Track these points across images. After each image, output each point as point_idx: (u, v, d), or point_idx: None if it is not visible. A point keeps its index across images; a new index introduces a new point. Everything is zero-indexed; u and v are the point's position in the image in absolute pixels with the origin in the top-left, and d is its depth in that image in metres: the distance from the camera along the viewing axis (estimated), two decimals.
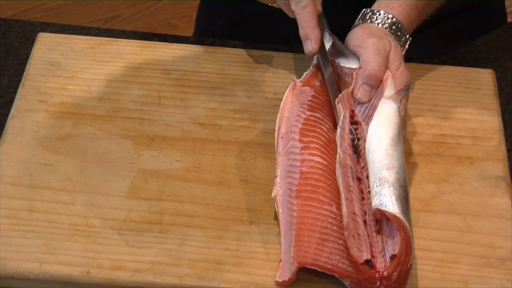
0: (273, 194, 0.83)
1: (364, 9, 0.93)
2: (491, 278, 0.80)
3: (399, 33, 0.91)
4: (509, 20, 1.21)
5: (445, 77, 0.98)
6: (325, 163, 0.83)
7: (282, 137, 0.86)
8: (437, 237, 0.83)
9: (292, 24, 0.91)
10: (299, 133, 0.85)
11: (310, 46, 0.89)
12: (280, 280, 0.78)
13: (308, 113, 0.87)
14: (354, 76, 0.89)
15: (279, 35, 1.06)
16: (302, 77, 0.92)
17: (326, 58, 0.91)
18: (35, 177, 0.86)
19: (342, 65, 0.91)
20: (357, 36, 0.90)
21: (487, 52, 1.07)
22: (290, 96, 0.90)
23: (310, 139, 0.85)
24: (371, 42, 0.88)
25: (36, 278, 0.79)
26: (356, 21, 0.93)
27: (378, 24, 0.91)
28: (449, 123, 0.93)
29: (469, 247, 0.82)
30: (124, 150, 0.90)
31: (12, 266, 0.79)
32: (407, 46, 0.93)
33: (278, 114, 0.89)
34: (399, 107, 0.85)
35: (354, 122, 0.87)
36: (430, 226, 0.84)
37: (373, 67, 0.87)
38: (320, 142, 0.85)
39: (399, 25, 0.91)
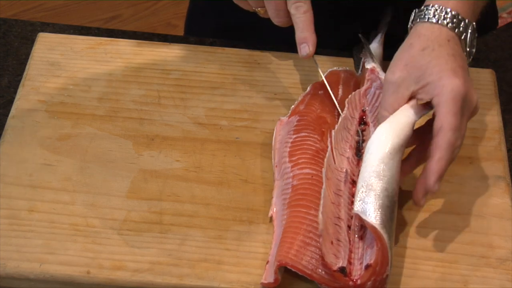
0: (270, 213, 0.83)
1: (415, 9, 0.85)
2: (491, 278, 0.80)
3: (462, 25, 0.82)
4: (509, 20, 1.21)
5: None
6: (313, 172, 0.84)
7: (276, 166, 0.87)
8: (437, 237, 0.83)
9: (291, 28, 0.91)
10: (288, 155, 0.86)
11: (307, 49, 0.89)
12: (266, 282, 0.78)
13: (294, 136, 0.88)
14: (366, 77, 0.90)
15: (279, 36, 1.05)
16: (289, 112, 0.92)
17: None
18: (35, 177, 0.86)
19: (366, 66, 0.93)
20: (420, 65, 0.80)
21: (487, 52, 1.07)
22: (278, 130, 0.91)
23: (298, 156, 0.86)
24: (449, 92, 0.77)
25: (36, 278, 0.79)
26: (410, 23, 0.85)
27: (438, 20, 0.82)
28: None
29: (469, 247, 0.82)
30: (124, 150, 0.90)
31: (12, 266, 0.79)
32: (475, 34, 0.84)
33: (272, 149, 0.89)
34: (415, 121, 0.81)
35: (363, 123, 0.87)
36: (430, 226, 0.84)
37: (450, 123, 0.77)
38: (308, 156, 0.85)
39: (459, 17, 0.82)
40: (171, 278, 0.79)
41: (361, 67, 0.95)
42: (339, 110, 0.90)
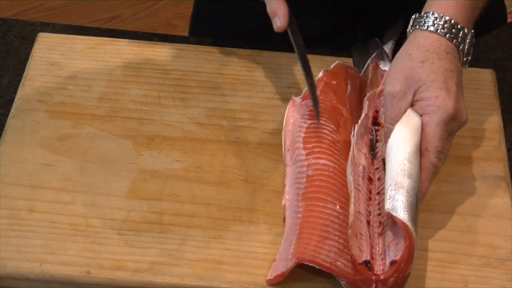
0: (283, 203, 0.83)
1: (415, 14, 0.85)
2: (491, 278, 0.80)
3: (460, 35, 0.83)
4: (509, 20, 1.21)
5: None
6: (330, 164, 0.83)
7: (288, 150, 0.87)
8: (437, 237, 0.83)
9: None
10: (303, 141, 0.86)
11: (278, 21, 0.87)
12: (272, 277, 0.78)
13: (309, 121, 0.88)
14: (384, 77, 0.90)
15: (280, 36, 1.06)
16: (302, 94, 0.92)
17: (296, 32, 0.88)
18: (35, 177, 0.86)
19: (381, 67, 0.93)
20: (419, 78, 0.81)
21: (487, 52, 1.07)
22: (290, 112, 0.90)
23: (313, 144, 0.85)
24: (440, 104, 0.80)
25: (36, 278, 0.79)
26: (409, 28, 0.85)
27: (437, 30, 0.82)
28: None
29: (469, 247, 0.82)
30: (124, 150, 0.90)
31: (12, 266, 0.79)
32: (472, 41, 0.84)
33: (282, 131, 0.89)
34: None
35: (376, 123, 0.87)
36: (430, 226, 0.84)
37: (436, 147, 0.80)
38: (324, 146, 0.85)
39: (458, 26, 0.83)
40: (171, 278, 0.79)
41: (365, 67, 0.95)
42: (347, 108, 0.90)
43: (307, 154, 0.85)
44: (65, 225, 0.82)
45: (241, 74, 0.98)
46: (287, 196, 0.83)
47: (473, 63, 1.02)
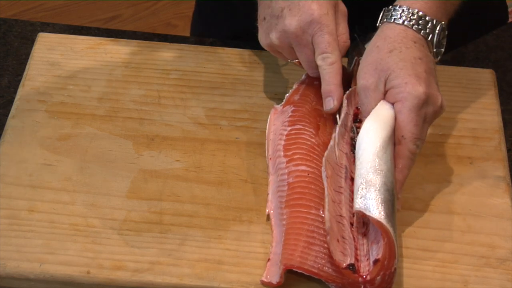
0: (267, 211, 0.83)
1: (384, 8, 0.86)
2: (491, 278, 0.80)
3: (429, 26, 0.83)
4: (509, 19, 1.21)
5: (445, 77, 0.98)
6: (310, 170, 0.83)
7: (270, 158, 0.87)
8: (437, 237, 0.83)
9: None
10: (283, 149, 0.86)
11: (331, 103, 0.86)
12: (267, 281, 0.78)
13: (289, 128, 0.88)
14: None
15: None
16: (283, 101, 0.92)
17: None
18: (35, 177, 0.86)
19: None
20: (388, 66, 0.82)
21: (487, 52, 1.07)
22: (272, 120, 0.90)
23: (293, 151, 0.85)
24: (410, 92, 0.80)
25: (36, 278, 0.79)
26: (378, 22, 0.87)
27: (403, 22, 0.83)
28: (449, 123, 0.93)
29: (469, 247, 0.82)
30: (124, 150, 0.90)
31: (12, 266, 0.79)
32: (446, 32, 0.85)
33: (266, 140, 0.89)
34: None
35: (357, 120, 0.87)
36: (430, 226, 0.84)
37: (413, 133, 0.80)
38: (303, 152, 0.85)
39: (426, 18, 0.84)
40: (171, 278, 0.79)
41: (353, 64, 0.95)
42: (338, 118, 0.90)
43: (287, 162, 0.85)
44: (65, 225, 0.82)
45: (241, 74, 0.98)
46: (271, 204, 0.83)
47: (473, 63, 1.02)
